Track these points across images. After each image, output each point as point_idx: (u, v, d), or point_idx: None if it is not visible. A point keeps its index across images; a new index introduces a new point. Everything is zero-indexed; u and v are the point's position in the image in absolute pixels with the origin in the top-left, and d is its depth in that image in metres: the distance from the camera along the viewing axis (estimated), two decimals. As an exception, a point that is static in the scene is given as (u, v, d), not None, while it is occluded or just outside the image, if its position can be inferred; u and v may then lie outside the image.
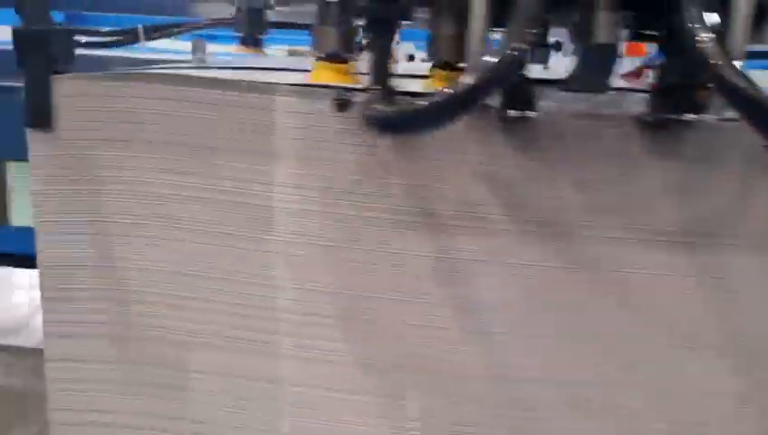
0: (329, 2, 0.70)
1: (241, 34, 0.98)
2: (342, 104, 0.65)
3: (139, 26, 0.99)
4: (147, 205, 0.75)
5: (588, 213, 0.68)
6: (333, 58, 0.71)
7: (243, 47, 0.95)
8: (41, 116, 0.74)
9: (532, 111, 0.59)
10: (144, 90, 0.72)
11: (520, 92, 0.60)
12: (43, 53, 0.72)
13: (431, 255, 0.71)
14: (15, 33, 0.71)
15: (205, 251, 0.74)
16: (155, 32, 1.03)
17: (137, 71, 0.73)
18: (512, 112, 0.59)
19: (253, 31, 0.94)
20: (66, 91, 0.73)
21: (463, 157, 0.67)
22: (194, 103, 0.72)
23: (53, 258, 0.77)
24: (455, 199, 0.69)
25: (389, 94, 0.64)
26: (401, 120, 0.56)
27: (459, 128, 0.64)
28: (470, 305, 0.72)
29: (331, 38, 0.71)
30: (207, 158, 0.73)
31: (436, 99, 0.52)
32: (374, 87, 0.64)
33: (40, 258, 0.78)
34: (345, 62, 0.71)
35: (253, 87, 0.70)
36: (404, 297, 0.72)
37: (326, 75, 0.71)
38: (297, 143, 0.71)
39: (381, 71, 0.64)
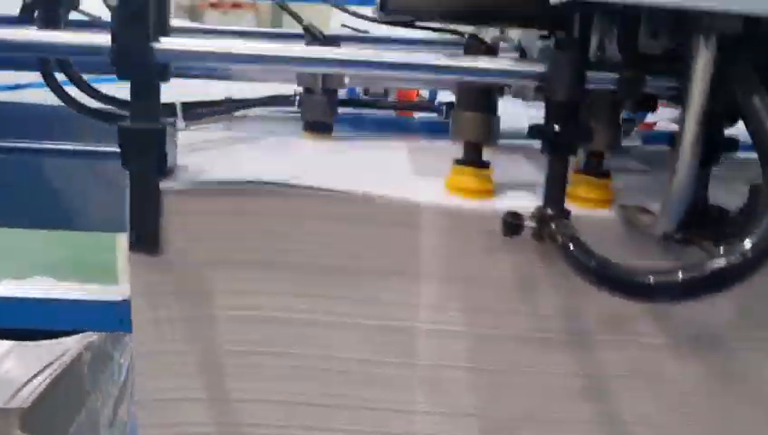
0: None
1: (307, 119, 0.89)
2: (514, 229, 0.60)
3: (177, 103, 0.89)
4: (268, 332, 0.67)
5: (739, 324, 0.67)
6: (474, 163, 0.66)
7: (308, 133, 0.87)
8: (147, 238, 0.65)
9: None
10: (266, 205, 0.65)
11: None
12: (154, 158, 0.63)
13: (579, 373, 0.68)
14: (121, 131, 0.62)
15: (338, 379, 0.68)
16: (197, 108, 0.94)
17: (256, 183, 0.66)
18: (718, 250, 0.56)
19: (325, 115, 0.85)
20: (176, 208, 0.65)
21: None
22: (323, 221, 0.65)
23: (155, 391, 0.69)
24: (604, 314, 0.66)
25: (564, 217, 0.60)
26: (669, 290, 0.51)
27: (608, 243, 0.61)
28: (617, 422, 0.69)
29: (470, 123, 0.66)
30: (340, 279, 0.66)
31: (711, 267, 0.48)
32: (550, 211, 0.60)
33: (139, 390, 0.69)
34: (487, 166, 0.67)
35: (395, 204, 0.65)
36: (552, 417, 0.69)
37: (466, 181, 0.67)
38: (443, 262, 0.66)
39: (558, 193, 0.60)
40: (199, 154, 0.72)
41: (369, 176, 0.70)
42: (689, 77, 0.54)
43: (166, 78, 0.62)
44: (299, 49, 0.63)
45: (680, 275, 0.48)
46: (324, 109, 0.84)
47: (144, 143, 0.62)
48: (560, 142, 0.59)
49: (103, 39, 0.59)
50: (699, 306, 0.65)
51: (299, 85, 0.82)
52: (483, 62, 0.62)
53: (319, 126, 0.85)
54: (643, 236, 0.62)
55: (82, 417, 1.87)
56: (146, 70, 0.60)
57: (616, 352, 0.67)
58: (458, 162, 0.67)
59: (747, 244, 0.47)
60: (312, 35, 0.78)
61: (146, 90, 0.61)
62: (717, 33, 0.52)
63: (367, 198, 0.65)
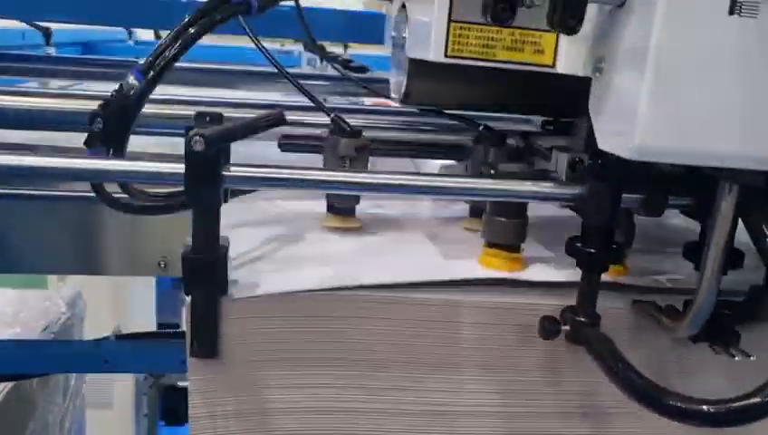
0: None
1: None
2: (551, 333, 0.68)
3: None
4: (317, 422, 0.73)
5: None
6: (505, 247, 0.73)
7: (331, 215, 0.88)
8: (206, 345, 0.68)
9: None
10: (314, 308, 0.70)
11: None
12: (215, 282, 0.66)
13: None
14: (185, 260, 0.65)
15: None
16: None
17: (306, 288, 0.70)
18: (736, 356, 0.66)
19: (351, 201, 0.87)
20: (232, 314, 0.69)
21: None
22: (369, 320, 0.71)
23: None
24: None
25: (596, 325, 0.68)
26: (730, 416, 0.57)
27: (623, 338, 0.70)
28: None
29: (505, 229, 0.73)
30: (386, 371, 0.72)
31: (742, 404, 0.56)
32: (583, 318, 0.68)
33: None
34: (517, 250, 0.74)
35: (438, 302, 0.71)
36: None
37: (496, 263, 0.74)
38: (481, 352, 0.73)
39: (591, 303, 0.68)
40: (241, 245, 0.75)
41: (405, 268, 0.75)
42: (713, 215, 0.62)
43: (226, 199, 0.65)
44: (362, 176, 0.67)
45: (706, 408, 0.57)
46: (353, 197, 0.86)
47: (206, 271, 0.65)
48: (594, 262, 0.66)
49: (178, 168, 0.61)
50: (707, 378, 0.75)
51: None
52: (518, 185, 0.68)
53: (344, 210, 0.86)
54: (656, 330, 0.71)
55: (32, 430, 1.85)
56: (214, 197, 0.63)
57: (627, 420, 0.76)
58: (489, 244, 0.74)
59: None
60: (339, 127, 0.82)
61: (209, 215, 0.64)
62: (740, 184, 0.60)
63: (412, 299, 0.71)
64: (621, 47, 0.58)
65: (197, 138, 0.57)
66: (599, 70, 0.61)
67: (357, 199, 0.84)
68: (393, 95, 0.87)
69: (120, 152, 0.72)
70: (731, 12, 0.54)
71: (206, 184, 0.61)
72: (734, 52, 0.55)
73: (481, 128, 0.86)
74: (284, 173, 0.64)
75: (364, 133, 0.84)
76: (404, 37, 0.80)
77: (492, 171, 0.72)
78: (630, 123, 0.56)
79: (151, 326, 2.96)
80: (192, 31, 0.71)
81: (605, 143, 0.61)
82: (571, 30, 0.58)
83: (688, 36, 0.55)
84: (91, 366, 1.20)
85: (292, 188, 0.66)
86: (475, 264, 0.75)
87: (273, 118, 0.59)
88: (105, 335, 1.59)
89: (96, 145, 0.71)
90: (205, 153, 0.58)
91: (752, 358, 0.65)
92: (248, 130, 0.59)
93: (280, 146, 0.89)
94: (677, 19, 0.54)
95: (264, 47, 0.84)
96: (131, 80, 0.70)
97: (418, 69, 0.77)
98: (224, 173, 0.62)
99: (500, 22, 0.57)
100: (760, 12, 0.54)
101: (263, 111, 0.62)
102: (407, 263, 0.77)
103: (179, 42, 0.71)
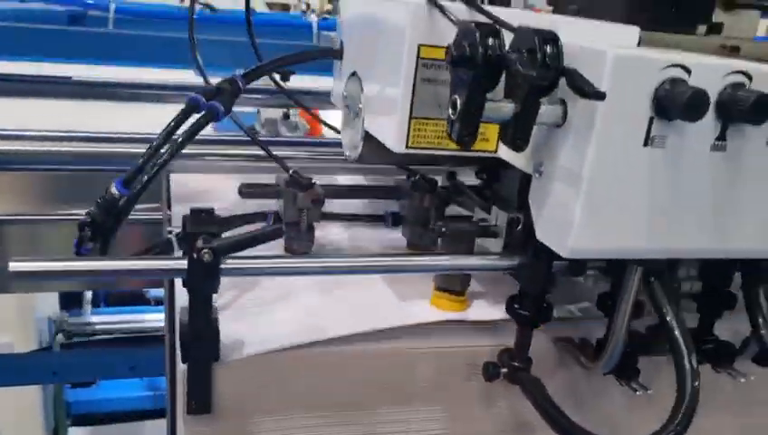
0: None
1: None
2: (493, 376, 0.83)
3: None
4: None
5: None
6: (453, 292, 0.87)
7: None
8: (201, 404, 0.78)
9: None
10: (296, 362, 0.81)
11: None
12: (210, 349, 0.76)
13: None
14: (182, 329, 0.74)
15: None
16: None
17: (292, 347, 0.81)
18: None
19: (308, 247, 0.97)
20: (223, 375, 0.78)
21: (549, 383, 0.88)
22: (339, 370, 0.83)
23: None
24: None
25: (528, 368, 0.83)
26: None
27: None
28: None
29: (456, 279, 0.86)
30: (349, 409, 0.85)
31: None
32: (517, 364, 0.83)
33: None
34: (463, 294, 0.88)
35: (396, 352, 0.84)
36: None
37: (445, 304, 0.88)
38: (428, 388, 0.87)
39: (525, 350, 0.83)
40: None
41: (366, 315, 0.86)
42: (623, 285, 0.78)
43: (218, 286, 0.74)
44: (345, 260, 0.79)
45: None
46: (309, 241, 0.97)
47: (202, 342, 0.74)
48: (528, 322, 0.81)
49: (180, 264, 0.69)
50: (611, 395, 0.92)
51: (285, 220, 0.93)
52: (467, 260, 0.81)
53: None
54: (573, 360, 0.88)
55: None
56: (212, 287, 0.71)
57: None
58: (438, 289, 0.87)
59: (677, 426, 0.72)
60: (298, 183, 0.90)
61: (207, 300, 0.72)
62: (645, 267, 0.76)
63: (372, 351, 0.83)
64: (559, 161, 0.71)
65: (207, 250, 0.65)
66: (539, 172, 0.74)
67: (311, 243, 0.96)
68: (346, 151, 0.96)
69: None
70: (645, 143, 0.67)
71: (206, 280, 0.69)
72: (647, 173, 0.69)
73: (417, 177, 0.98)
74: (277, 263, 0.74)
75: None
76: (360, 107, 0.89)
77: (442, 228, 0.84)
78: (567, 228, 0.69)
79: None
80: (168, 149, 0.78)
81: (543, 236, 0.74)
82: (520, 148, 0.69)
83: (614, 160, 0.67)
84: (39, 377, 1.24)
85: (284, 275, 0.75)
86: (427, 305, 0.88)
87: (271, 233, 0.68)
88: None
89: (86, 246, 0.79)
90: (211, 262, 0.66)
91: (649, 391, 0.83)
92: (252, 242, 0.68)
93: (240, 193, 0.97)
94: (605, 147, 0.67)
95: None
96: (114, 190, 0.77)
97: (374, 142, 0.87)
98: (221, 266, 0.70)
99: (464, 144, 0.67)
100: (666, 145, 0.68)
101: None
102: (366, 309, 0.88)
103: (156, 160, 0.78)
